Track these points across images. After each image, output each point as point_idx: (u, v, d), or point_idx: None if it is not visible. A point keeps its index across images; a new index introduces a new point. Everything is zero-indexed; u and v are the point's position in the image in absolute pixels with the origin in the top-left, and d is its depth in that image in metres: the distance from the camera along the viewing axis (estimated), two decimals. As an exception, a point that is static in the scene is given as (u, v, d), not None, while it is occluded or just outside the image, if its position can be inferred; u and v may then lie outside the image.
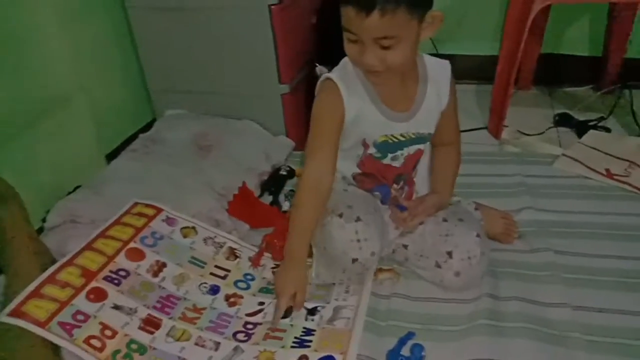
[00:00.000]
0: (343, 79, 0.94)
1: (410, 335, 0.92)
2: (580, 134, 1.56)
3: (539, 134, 1.59)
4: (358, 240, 0.92)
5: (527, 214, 1.21)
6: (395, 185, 1.04)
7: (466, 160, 1.36)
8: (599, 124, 1.60)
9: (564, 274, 1.04)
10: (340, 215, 0.93)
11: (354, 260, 0.94)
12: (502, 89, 1.55)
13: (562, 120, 1.65)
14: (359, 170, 1.03)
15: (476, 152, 1.49)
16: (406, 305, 1.00)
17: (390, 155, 1.00)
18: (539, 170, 1.39)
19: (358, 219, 0.93)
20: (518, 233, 1.14)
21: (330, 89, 0.95)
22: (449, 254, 0.98)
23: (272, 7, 1.34)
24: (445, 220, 1.02)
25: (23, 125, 1.14)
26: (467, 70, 1.89)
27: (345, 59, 0.96)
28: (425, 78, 0.98)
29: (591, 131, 1.56)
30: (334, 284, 1.03)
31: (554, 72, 1.88)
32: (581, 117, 1.64)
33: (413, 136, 0.99)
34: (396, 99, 0.96)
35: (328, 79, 0.95)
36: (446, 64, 1.01)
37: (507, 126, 1.59)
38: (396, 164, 1.02)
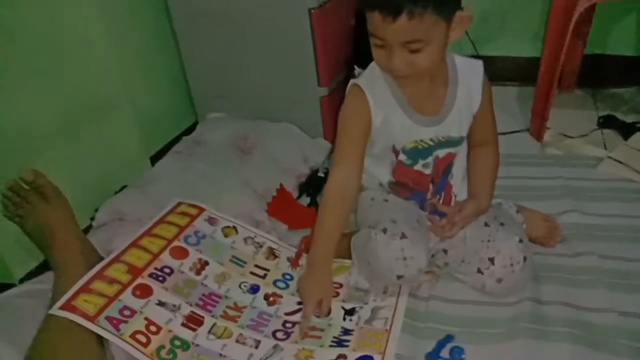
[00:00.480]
0: (370, 84, 0.94)
1: (449, 338, 0.92)
2: (625, 136, 1.52)
3: (582, 136, 1.55)
4: (404, 258, 0.91)
5: (570, 217, 1.18)
6: (430, 192, 1.03)
7: (507, 162, 1.35)
8: (646, 126, 1.55)
9: (608, 278, 1.01)
10: (385, 231, 0.92)
11: (399, 277, 0.94)
12: (545, 91, 1.52)
13: (607, 122, 1.60)
14: (393, 179, 1.03)
15: (518, 154, 1.47)
16: (445, 307, 0.99)
17: (421, 162, 0.99)
18: (583, 173, 1.36)
19: (403, 236, 0.91)
20: (561, 236, 1.12)
21: (356, 94, 0.95)
22: (491, 260, 0.96)
23: (312, 11, 1.36)
24: (486, 224, 1.00)
25: (74, 129, 1.20)
26: (509, 71, 1.87)
27: (373, 64, 0.95)
28: (455, 80, 0.96)
29: (637, 133, 1.51)
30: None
31: (598, 73, 1.83)
32: (627, 118, 1.60)
33: (443, 140, 0.97)
34: (425, 102, 0.95)
35: (355, 84, 0.95)
36: (478, 64, 0.98)
37: (549, 128, 1.56)
38: (428, 170, 1.00)
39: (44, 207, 0.99)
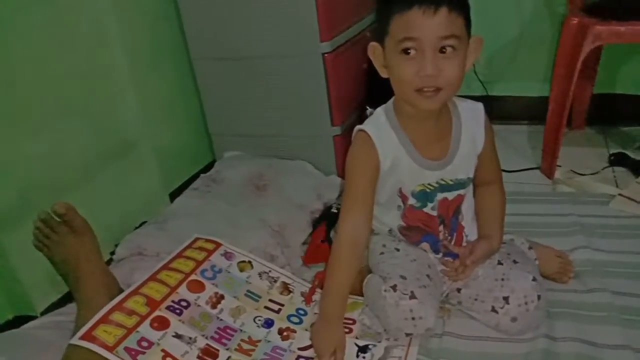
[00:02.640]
0: (376, 129, 0.95)
1: (462, 373, 0.92)
2: (637, 174, 1.52)
3: (593, 174, 1.56)
4: (413, 319, 0.92)
5: (582, 254, 1.18)
6: (441, 233, 1.03)
7: (519, 199, 1.37)
8: (657, 164, 1.56)
9: (622, 315, 1.00)
10: (394, 288, 0.92)
11: (408, 334, 0.95)
12: (554, 130, 1.54)
13: (618, 160, 1.61)
14: (403, 224, 1.04)
15: (529, 191, 1.48)
16: (458, 343, 0.99)
17: (430, 205, 1.00)
18: (594, 210, 1.36)
19: (412, 296, 0.91)
20: (574, 273, 1.12)
21: (363, 141, 0.96)
22: (506, 299, 0.95)
23: (326, 55, 1.42)
24: (500, 263, 1.00)
25: (98, 166, 1.24)
26: (519, 110, 1.91)
27: (378, 111, 0.98)
28: (459, 122, 0.98)
29: (649, 171, 1.52)
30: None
31: (608, 112, 1.86)
32: (637, 156, 1.60)
33: (451, 182, 0.98)
34: (431, 146, 0.96)
35: (361, 130, 0.96)
36: (479, 107, 0.99)
37: (560, 166, 1.58)
38: (434, 212, 1.01)
39: (72, 239, 1.03)
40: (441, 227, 1.03)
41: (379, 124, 0.96)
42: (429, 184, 0.98)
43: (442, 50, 0.82)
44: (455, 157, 0.97)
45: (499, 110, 1.77)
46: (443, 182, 0.98)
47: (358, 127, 0.98)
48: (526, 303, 0.94)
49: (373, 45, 0.91)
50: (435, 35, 0.81)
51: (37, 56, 1.08)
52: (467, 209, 1.05)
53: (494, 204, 1.06)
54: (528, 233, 1.22)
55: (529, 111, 1.89)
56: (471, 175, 1.01)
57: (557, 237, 1.24)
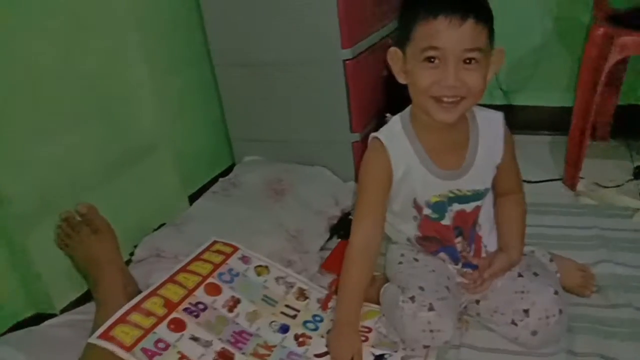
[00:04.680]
0: (390, 137, 0.95)
1: (480, 385, 0.90)
2: (662, 187, 1.50)
3: (617, 186, 1.53)
4: (431, 331, 0.91)
5: (605, 268, 1.16)
6: (459, 244, 1.02)
7: (540, 211, 1.35)
8: (683, 177, 1.53)
9: (646, 331, 0.98)
10: (413, 299, 0.92)
11: (426, 347, 0.95)
12: (577, 141, 1.52)
13: (643, 173, 1.59)
14: (420, 234, 1.03)
15: (550, 203, 1.46)
16: (476, 355, 0.98)
17: (447, 216, 0.98)
18: (618, 224, 1.34)
19: (431, 308, 0.90)
20: (596, 286, 1.10)
21: (376, 149, 0.95)
22: (526, 312, 0.93)
23: (347, 62, 1.42)
24: (520, 275, 0.98)
25: (116, 170, 1.26)
26: (541, 121, 1.89)
27: (394, 118, 0.97)
28: (476, 133, 0.96)
29: (675, 184, 1.49)
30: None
31: (633, 124, 1.82)
32: (663, 169, 1.58)
33: (469, 193, 0.97)
34: (446, 156, 0.95)
35: (375, 137, 0.96)
36: (498, 117, 0.98)
37: (583, 178, 1.55)
38: (450, 223, 0.99)
39: (93, 239, 1.05)
40: (459, 239, 1.02)
41: (393, 131, 0.96)
42: (444, 195, 0.96)
43: (465, 61, 0.82)
44: (472, 168, 0.96)
45: (520, 120, 1.75)
46: (459, 193, 0.97)
47: (373, 134, 0.97)
48: (547, 317, 0.92)
49: (393, 50, 0.90)
50: (460, 47, 0.81)
51: (58, 60, 1.10)
52: (485, 219, 1.03)
53: (514, 215, 1.04)
54: (549, 245, 1.20)
55: (552, 121, 1.87)
56: (488, 186, 1.00)
57: (579, 251, 1.22)
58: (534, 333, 0.94)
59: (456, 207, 0.98)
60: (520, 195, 1.05)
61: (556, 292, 0.94)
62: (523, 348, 0.97)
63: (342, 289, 0.98)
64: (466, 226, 1.01)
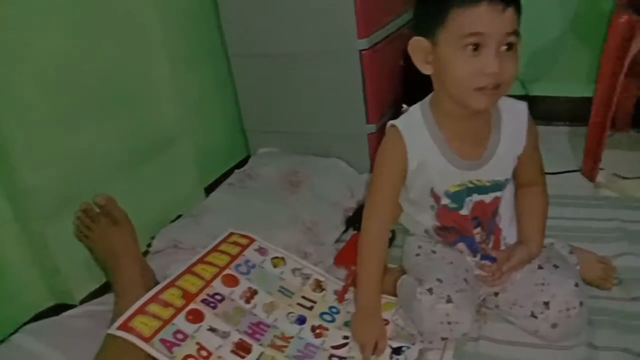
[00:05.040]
0: (408, 125, 0.93)
1: (499, 379, 0.90)
2: (684, 179, 1.47)
3: (637, 178, 1.51)
4: (449, 323, 0.91)
5: (626, 260, 1.14)
6: (478, 235, 1.01)
7: (559, 202, 1.32)
8: None
9: (669, 325, 0.97)
10: (430, 291, 0.91)
11: (444, 339, 0.95)
12: (597, 132, 1.49)
13: (664, 164, 1.56)
14: (438, 224, 1.02)
15: (569, 194, 1.44)
16: (495, 348, 0.97)
17: (465, 206, 0.97)
18: (638, 216, 1.31)
19: (449, 300, 0.90)
20: (617, 279, 1.08)
21: (393, 136, 0.94)
22: (546, 304, 0.92)
23: (363, 52, 1.41)
24: (540, 267, 0.97)
25: (135, 162, 1.26)
26: (560, 111, 1.86)
27: (415, 107, 0.95)
28: (498, 122, 0.94)
29: (698, 176, 1.46)
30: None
31: (655, 114, 1.79)
32: (686, 161, 1.55)
33: (488, 184, 0.96)
34: (467, 146, 0.93)
35: (393, 125, 0.95)
36: (522, 107, 0.95)
37: (602, 169, 1.52)
38: (468, 213, 0.98)
39: (111, 230, 1.05)
40: (478, 229, 1.00)
41: (412, 120, 0.95)
42: (463, 184, 0.95)
43: (505, 47, 0.80)
44: (493, 158, 0.94)
45: (539, 110, 1.70)
46: (479, 183, 0.96)
47: (391, 122, 0.96)
48: (567, 309, 0.91)
49: (417, 40, 0.86)
50: (503, 31, 0.79)
51: (81, 54, 1.11)
52: (505, 210, 1.02)
53: (535, 207, 1.02)
54: (568, 237, 1.18)
55: (571, 112, 1.84)
56: (509, 177, 0.98)
57: (599, 243, 1.20)
58: (554, 326, 0.92)
59: (475, 197, 0.97)
60: (542, 187, 1.03)
61: (577, 285, 0.92)
62: (543, 341, 0.96)
63: (361, 276, 0.99)
64: (485, 217, 1.00)
